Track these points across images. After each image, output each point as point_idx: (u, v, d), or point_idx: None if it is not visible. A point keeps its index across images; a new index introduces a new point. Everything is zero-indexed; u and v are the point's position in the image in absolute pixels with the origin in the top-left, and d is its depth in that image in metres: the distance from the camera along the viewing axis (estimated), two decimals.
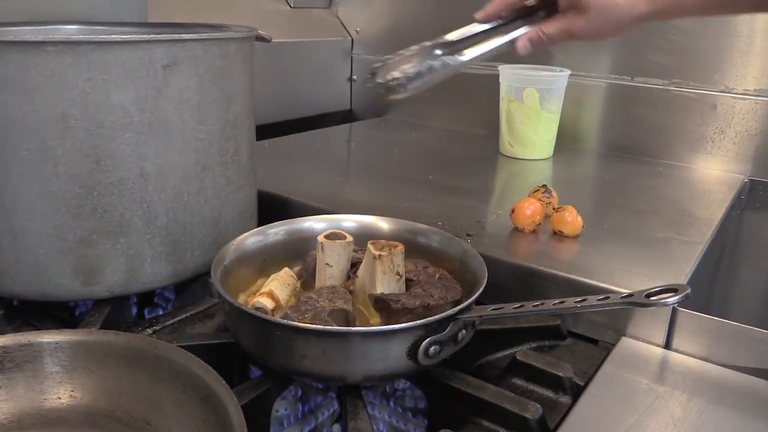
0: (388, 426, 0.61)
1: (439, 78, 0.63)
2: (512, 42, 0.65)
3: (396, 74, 0.60)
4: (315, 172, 1.05)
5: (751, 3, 0.63)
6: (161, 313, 0.76)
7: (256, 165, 0.80)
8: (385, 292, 0.59)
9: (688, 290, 0.42)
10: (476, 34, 0.66)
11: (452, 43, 0.65)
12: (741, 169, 1.11)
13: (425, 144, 1.31)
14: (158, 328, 0.67)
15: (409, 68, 0.61)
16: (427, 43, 0.64)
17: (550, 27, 0.64)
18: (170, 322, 0.68)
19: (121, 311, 0.71)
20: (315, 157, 1.16)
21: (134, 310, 0.75)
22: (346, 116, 1.57)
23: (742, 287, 1.13)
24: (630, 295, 0.44)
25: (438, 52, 0.63)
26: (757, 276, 1.11)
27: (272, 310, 0.57)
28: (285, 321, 0.50)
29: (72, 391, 0.50)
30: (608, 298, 0.45)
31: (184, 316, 0.69)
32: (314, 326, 0.50)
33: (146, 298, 0.77)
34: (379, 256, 0.58)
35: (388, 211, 0.76)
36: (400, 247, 0.60)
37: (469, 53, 0.64)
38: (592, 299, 0.46)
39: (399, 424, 0.61)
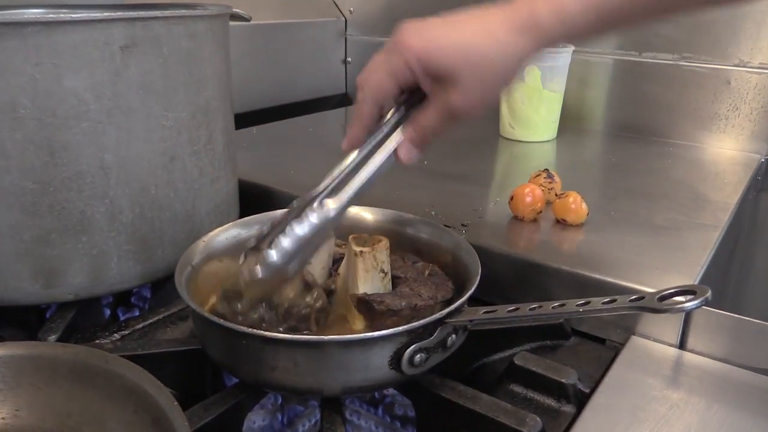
0: None
1: (318, 243, 0.48)
2: (393, 155, 0.50)
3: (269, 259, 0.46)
4: (304, 160, 0.99)
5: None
6: (137, 314, 0.71)
7: (234, 154, 0.74)
8: (368, 292, 0.53)
9: (709, 293, 0.36)
10: (352, 169, 0.50)
11: (321, 195, 0.49)
12: (757, 148, 1.05)
13: None
14: (127, 332, 0.62)
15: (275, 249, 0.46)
16: (295, 204, 0.49)
17: (427, 116, 0.49)
18: (140, 326, 0.63)
19: (90, 314, 0.66)
20: (305, 143, 1.10)
21: (107, 312, 0.70)
22: (341, 100, 1.50)
23: (758, 275, 1.06)
24: (640, 298, 0.38)
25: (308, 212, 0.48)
26: None
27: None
28: (251, 330, 0.44)
29: (16, 410, 0.45)
30: (615, 301, 0.39)
31: (155, 318, 0.64)
32: (282, 335, 0.44)
33: (122, 299, 0.72)
34: (361, 252, 0.53)
35: (377, 200, 0.70)
36: (384, 242, 0.54)
37: (337, 201, 0.47)
38: (596, 302, 0.40)
39: None
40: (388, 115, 0.51)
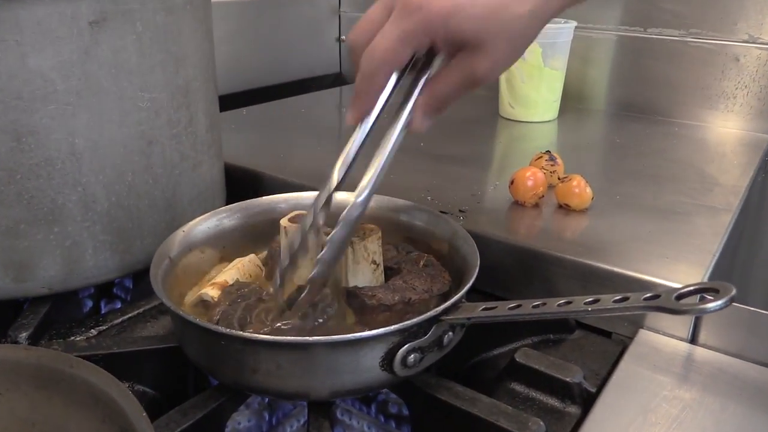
0: None
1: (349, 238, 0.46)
2: (406, 128, 0.46)
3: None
4: (296, 143, 0.95)
5: None
6: (119, 306, 0.67)
7: (219, 137, 0.70)
8: (359, 285, 0.50)
9: (733, 291, 0.32)
10: (362, 147, 0.47)
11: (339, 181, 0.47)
12: (765, 127, 1.01)
13: None
14: (104, 328, 0.58)
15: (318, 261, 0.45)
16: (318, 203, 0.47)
17: (445, 83, 0.45)
18: (119, 320, 0.59)
19: (66, 309, 0.62)
20: (297, 125, 1.06)
21: (89, 304, 0.67)
22: (335, 80, 1.46)
23: (763, 261, 1.03)
24: (655, 297, 0.34)
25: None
26: None
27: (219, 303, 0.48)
28: (228, 331, 0.41)
29: None
30: (627, 299, 0.36)
31: (135, 312, 0.60)
32: (263, 336, 0.41)
33: (104, 290, 0.68)
34: (350, 242, 0.49)
35: None
36: (376, 232, 0.51)
37: (364, 192, 0.45)
38: (606, 300, 0.36)
39: None
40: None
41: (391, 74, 0.45)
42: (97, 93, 0.54)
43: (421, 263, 0.53)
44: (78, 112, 0.53)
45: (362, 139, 0.46)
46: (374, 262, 0.51)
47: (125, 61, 0.55)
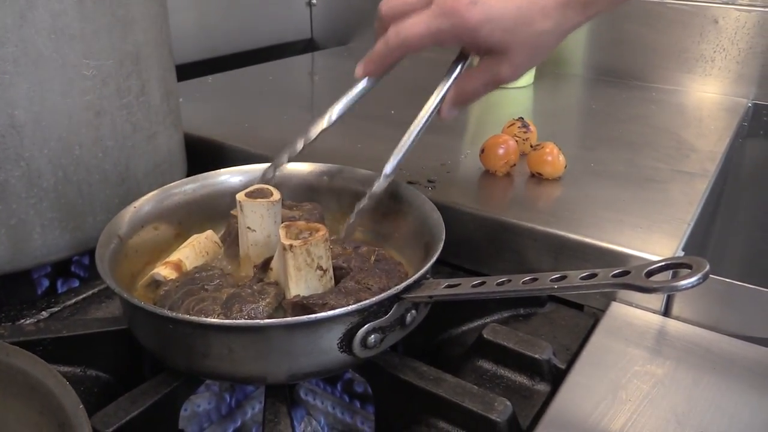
0: (332, 419, 0.51)
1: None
2: (434, 114, 0.53)
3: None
4: (261, 112, 0.91)
5: None
6: (76, 284, 0.64)
7: (176, 106, 0.67)
8: (303, 294, 0.44)
9: (707, 267, 0.30)
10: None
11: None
12: (744, 92, 0.99)
13: (391, 73, 1.16)
14: (57, 309, 0.56)
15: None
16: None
17: (472, 82, 0.51)
18: (72, 301, 0.57)
19: (19, 289, 0.59)
20: (264, 93, 1.02)
21: (44, 284, 0.64)
22: (306, 46, 1.41)
23: (741, 224, 1.02)
24: (624, 273, 0.32)
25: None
26: (759, 211, 1.01)
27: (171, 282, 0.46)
28: (175, 315, 0.38)
29: None
30: (595, 276, 0.34)
31: (90, 292, 0.58)
32: (211, 320, 0.38)
33: (61, 269, 0.65)
34: (290, 246, 0.42)
35: (336, 155, 0.63)
36: (322, 232, 0.44)
37: (391, 162, 0.52)
38: (573, 277, 0.34)
39: (344, 417, 0.51)
40: None
41: (408, 54, 0.51)
42: (37, 61, 0.50)
43: (372, 258, 0.48)
44: (16, 81, 0.50)
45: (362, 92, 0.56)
46: (320, 267, 0.44)
47: (66, 26, 0.51)
